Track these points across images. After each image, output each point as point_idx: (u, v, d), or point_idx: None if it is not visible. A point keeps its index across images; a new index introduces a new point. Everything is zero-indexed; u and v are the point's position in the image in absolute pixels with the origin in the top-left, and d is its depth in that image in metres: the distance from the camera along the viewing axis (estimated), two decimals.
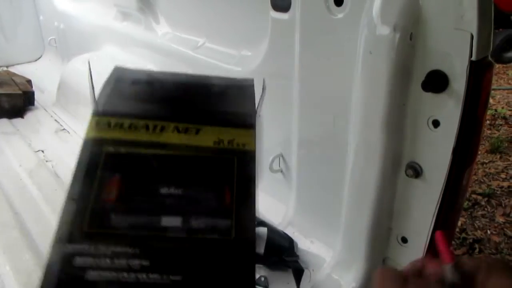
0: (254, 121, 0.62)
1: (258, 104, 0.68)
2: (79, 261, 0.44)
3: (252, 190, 0.54)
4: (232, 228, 0.50)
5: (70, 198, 0.49)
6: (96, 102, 0.61)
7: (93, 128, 0.56)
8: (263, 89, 0.72)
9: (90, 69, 0.72)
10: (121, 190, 0.51)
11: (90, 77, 0.68)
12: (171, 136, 0.57)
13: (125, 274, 0.44)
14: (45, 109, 2.26)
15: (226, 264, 0.47)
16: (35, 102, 2.31)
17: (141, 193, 0.52)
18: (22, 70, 2.77)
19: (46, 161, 1.75)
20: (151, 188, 0.52)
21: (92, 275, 0.43)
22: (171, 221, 0.49)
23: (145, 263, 0.45)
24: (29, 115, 2.22)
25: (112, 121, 0.57)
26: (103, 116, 0.58)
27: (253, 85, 0.70)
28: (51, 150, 1.84)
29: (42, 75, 2.73)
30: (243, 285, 0.47)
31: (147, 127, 0.57)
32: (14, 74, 2.54)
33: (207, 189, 0.53)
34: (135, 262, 0.45)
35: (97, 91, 0.64)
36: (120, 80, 0.66)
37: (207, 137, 0.58)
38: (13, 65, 2.92)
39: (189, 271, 0.45)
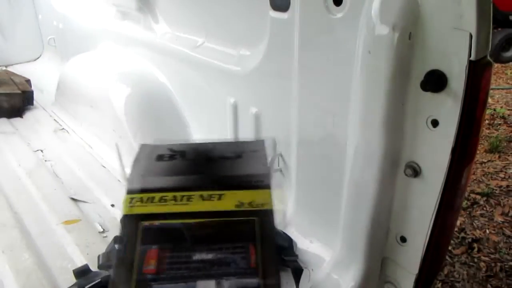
0: (269, 181, 0.69)
1: (271, 161, 0.76)
2: None
3: (273, 247, 0.61)
4: (261, 286, 0.56)
5: (117, 272, 0.57)
6: (128, 180, 0.68)
7: (128, 205, 0.64)
8: (274, 147, 0.79)
9: (119, 151, 0.78)
10: (159, 261, 0.58)
11: (120, 159, 0.75)
12: (197, 204, 0.64)
13: None
14: (44, 109, 2.26)
15: None
16: (34, 102, 2.31)
17: (177, 262, 0.58)
18: (21, 70, 2.76)
19: (45, 160, 1.75)
20: (185, 256, 0.59)
21: None
22: (205, 286, 0.56)
23: None
24: (28, 115, 2.22)
25: (144, 197, 0.65)
26: (136, 193, 0.65)
27: (264, 146, 0.79)
28: (50, 149, 1.84)
29: (41, 75, 2.73)
30: None
31: (175, 199, 0.64)
32: (13, 74, 2.53)
33: (234, 251, 0.59)
34: None
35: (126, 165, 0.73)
36: (147, 156, 0.74)
37: (229, 201, 0.65)
38: (12, 64, 2.92)
39: None
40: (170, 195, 0.65)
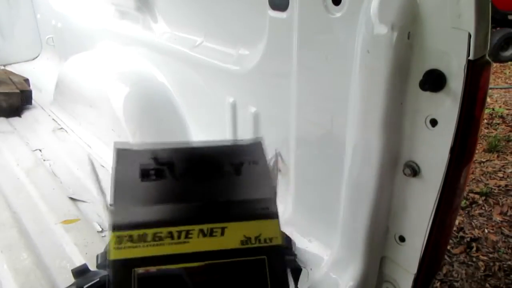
0: (275, 208, 0.60)
1: (273, 175, 0.65)
2: None
3: None
4: None
5: None
6: (112, 212, 0.56)
7: (116, 246, 0.53)
8: (276, 163, 0.68)
9: (94, 167, 0.64)
10: None
11: (96, 178, 0.61)
12: (197, 243, 0.55)
13: None
14: (42, 108, 2.26)
15: None
16: (33, 101, 2.31)
17: None
18: (20, 69, 2.76)
19: (44, 160, 1.75)
20: None
21: None
22: None
23: None
24: (26, 114, 2.22)
25: (134, 234, 0.54)
26: (124, 230, 0.55)
27: (264, 153, 0.69)
28: (48, 149, 1.84)
29: (40, 74, 2.73)
30: None
31: (171, 236, 0.55)
32: (12, 73, 2.53)
33: None
34: None
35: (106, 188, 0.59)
36: (129, 173, 0.61)
37: (234, 237, 0.56)
38: (10, 64, 2.92)
39: None
40: (165, 231, 0.55)
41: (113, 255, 0.53)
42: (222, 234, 0.57)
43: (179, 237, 0.55)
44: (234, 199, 0.61)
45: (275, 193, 0.62)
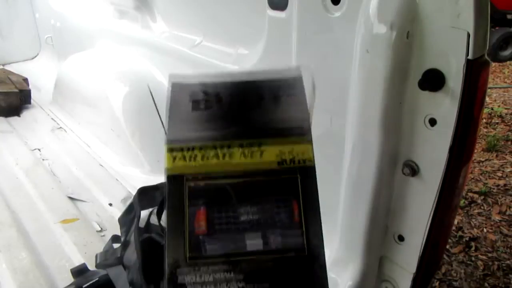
0: (310, 134, 0.69)
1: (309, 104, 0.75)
2: (186, 279, 0.57)
3: (316, 204, 0.64)
4: (305, 246, 0.59)
5: (170, 233, 0.59)
6: (168, 136, 0.67)
7: (171, 162, 0.64)
8: (313, 88, 0.77)
9: (153, 96, 0.75)
10: (208, 222, 0.60)
11: (155, 104, 0.71)
12: (239, 163, 0.65)
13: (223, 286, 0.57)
14: (41, 108, 2.26)
15: (303, 278, 0.58)
16: (32, 101, 2.31)
17: (225, 222, 0.61)
18: (19, 69, 2.76)
19: (43, 159, 1.75)
20: (232, 215, 0.61)
21: None
22: (253, 244, 0.60)
23: (238, 277, 0.58)
24: (25, 114, 2.22)
25: (186, 155, 0.65)
26: (178, 151, 0.65)
27: (302, 84, 0.76)
28: (47, 148, 1.84)
29: (39, 74, 2.73)
30: None
31: (217, 156, 0.65)
32: (11, 73, 2.53)
33: (279, 208, 0.62)
34: (230, 277, 0.57)
35: (163, 116, 0.70)
36: (182, 103, 0.71)
37: (271, 159, 0.65)
38: (9, 63, 2.92)
39: (274, 282, 0.57)
40: (212, 152, 0.65)
41: (169, 171, 0.63)
42: (261, 156, 0.65)
43: (224, 157, 0.64)
44: (272, 126, 0.68)
45: (309, 122, 0.71)
